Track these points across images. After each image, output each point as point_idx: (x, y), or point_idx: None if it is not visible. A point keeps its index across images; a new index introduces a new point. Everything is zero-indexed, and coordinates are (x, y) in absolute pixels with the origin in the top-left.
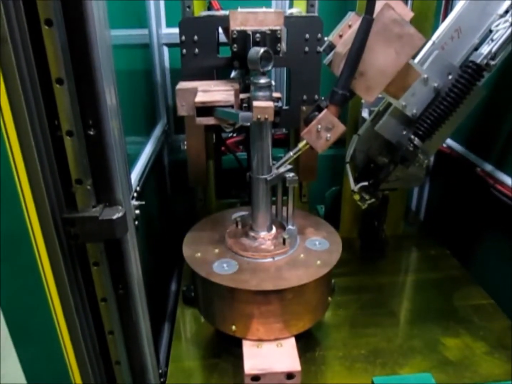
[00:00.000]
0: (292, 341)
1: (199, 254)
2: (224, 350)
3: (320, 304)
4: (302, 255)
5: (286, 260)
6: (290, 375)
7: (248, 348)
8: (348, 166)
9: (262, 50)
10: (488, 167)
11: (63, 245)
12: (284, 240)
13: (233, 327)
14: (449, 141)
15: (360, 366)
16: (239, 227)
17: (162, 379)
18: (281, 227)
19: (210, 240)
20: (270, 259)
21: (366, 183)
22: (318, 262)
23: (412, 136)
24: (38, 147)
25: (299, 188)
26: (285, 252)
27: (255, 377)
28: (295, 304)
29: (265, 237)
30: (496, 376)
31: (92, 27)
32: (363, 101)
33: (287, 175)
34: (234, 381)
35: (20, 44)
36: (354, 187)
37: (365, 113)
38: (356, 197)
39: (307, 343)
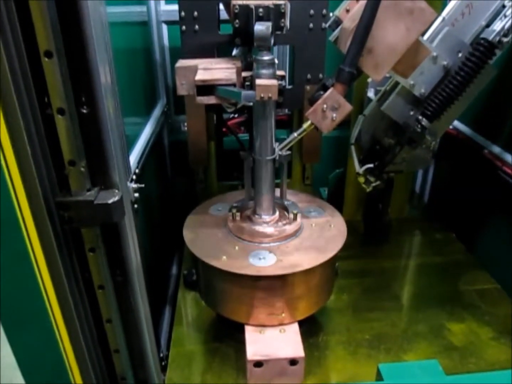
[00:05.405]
0: (295, 326)
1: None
2: (226, 335)
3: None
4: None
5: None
6: (293, 361)
7: (250, 333)
8: (353, 148)
9: (269, 24)
10: (496, 149)
11: (57, 230)
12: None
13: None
14: (455, 123)
15: (364, 351)
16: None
17: (163, 363)
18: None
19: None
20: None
21: (371, 165)
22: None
23: (420, 117)
24: (27, 126)
25: (302, 170)
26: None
27: (258, 363)
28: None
29: (268, 220)
30: (502, 362)
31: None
32: (369, 80)
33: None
34: (236, 366)
35: (5, 14)
36: (359, 169)
37: (371, 93)
38: (361, 179)
39: (310, 328)
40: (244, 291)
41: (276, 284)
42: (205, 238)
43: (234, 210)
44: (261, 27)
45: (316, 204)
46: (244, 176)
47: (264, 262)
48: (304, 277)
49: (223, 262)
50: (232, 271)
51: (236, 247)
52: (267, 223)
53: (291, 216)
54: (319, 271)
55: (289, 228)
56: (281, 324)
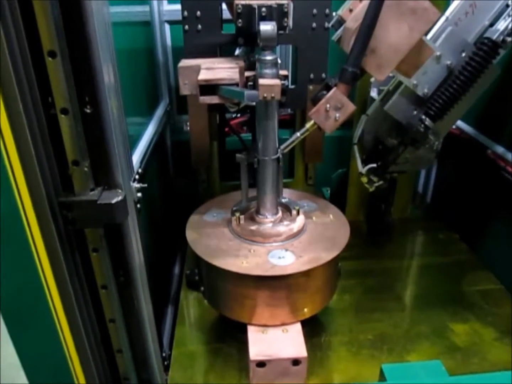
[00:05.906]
0: (298, 326)
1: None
2: (229, 335)
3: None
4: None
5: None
6: (296, 361)
7: (253, 333)
8: (355, 148)
9: (275, 24)
10: (499, 149)
11: (60, 230)
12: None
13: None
14: (458, 122)
15: (367, 352)
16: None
17: (165, 363)
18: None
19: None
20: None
21: (374, 165)
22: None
23: (423, 117)
24: (31, 126)
25: (304, 170)
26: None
27: (261, 363)
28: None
29: (273, 220)
30: (505, 363)
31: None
32: (372, 80)
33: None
34: (239, 366)
35: (9, 14)
36: (362, 169)
37: (373, 93)
38: (364, 179)
39: (312, 329)
40: (272, 292)
41: (303, 280)
42: (210, 241)
43: (237, 214)
44: (267, 27)
45: (307, 199)
46: (241, 178)
47: (285, 261)
48: (325, 269)
49: (245, 267)
50: (262, 275)
51: (252, 250)
52: (273, 223)
53: (294, 212)
54: (334, 261)
55: (296, 225)
56: (283, 324)
